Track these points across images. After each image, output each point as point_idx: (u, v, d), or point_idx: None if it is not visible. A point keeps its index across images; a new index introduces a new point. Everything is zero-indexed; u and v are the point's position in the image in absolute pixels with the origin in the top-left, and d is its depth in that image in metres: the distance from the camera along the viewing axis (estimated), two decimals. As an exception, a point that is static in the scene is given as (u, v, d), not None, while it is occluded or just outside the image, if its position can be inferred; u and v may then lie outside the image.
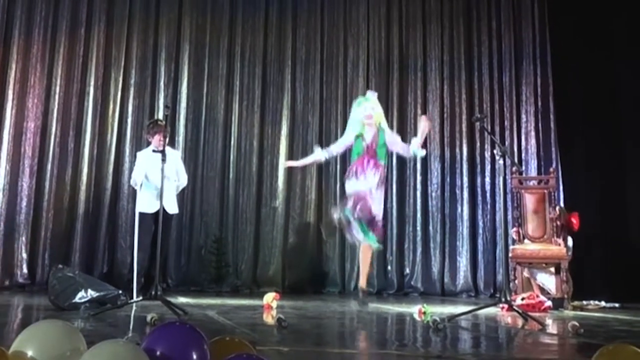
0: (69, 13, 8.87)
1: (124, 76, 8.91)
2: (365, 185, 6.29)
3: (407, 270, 9.25)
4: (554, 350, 3.65)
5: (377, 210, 6.36)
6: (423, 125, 6.68)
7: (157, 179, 6.21)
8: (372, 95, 6.76)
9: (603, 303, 7.27)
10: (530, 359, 3.28)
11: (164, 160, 5.21)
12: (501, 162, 5.47)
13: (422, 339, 4.08)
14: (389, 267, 9.23)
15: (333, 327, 4.77)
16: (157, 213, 6.43)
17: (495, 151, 5.48)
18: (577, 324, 4.39)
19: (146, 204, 6.75)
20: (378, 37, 9.73)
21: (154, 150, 6.49)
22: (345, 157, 9.10)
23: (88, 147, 8.61)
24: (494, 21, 9.83)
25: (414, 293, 9.01)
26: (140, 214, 6.83)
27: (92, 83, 8.76)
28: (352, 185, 6.41)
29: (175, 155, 7.31)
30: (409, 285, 9.16)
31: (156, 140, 6.85)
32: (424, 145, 6.94)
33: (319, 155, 6.75)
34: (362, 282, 6.52)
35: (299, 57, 9.54)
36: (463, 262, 9.24)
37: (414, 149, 6.51)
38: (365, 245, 6.40)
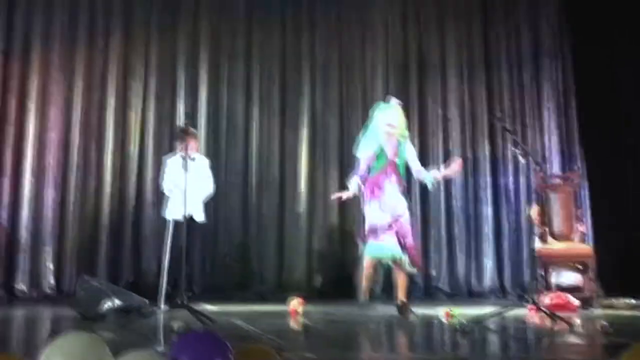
0: (87, 23, 8.92)
1: (144, 85, 8.95)
2: (388, 212, 5.95)
3: (433, 272, 9.20)
4: (582, 352, 3.61)
5: (407, 232, 6.04)
6: (453, 169, 6.29)
7: (189, 186, 6.28)
8: (395, 103, 6.34)
9: (633, 301, 7.18)
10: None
11: (185, 167, 5.22)
12: (523, 161, 5.42)
13: (450, 342, 4.05)
14: (415, 273, 9.17)
15: (360, 332, 4.75)
16: (181, 221, 6.54)
17: (516, 150, 5.40)
18: (605, 323, 4.34)
19: (176, 210, 6.74)
20: (395, 38, 9.69)
21: (183, 158, 6.59)
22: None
23: (110, 157, 8.66)
24: (512, 18, 9.77)
25: (441, 294, 8.96)
26: (170, 220, 6.85)
27: (112, 93, 8.81)
28: (371, 214, 6.03)
29: (204, 163, 7.37)
30: (435, 287, 9.11)
31: (187, 147, 6.89)
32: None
33: (353, 189, 6.17)
34: (401, 295, 6.10)
35: (317, 60, 9.51)
36: (489, 262, 9.18)
37: (427, 177, 6.25)
38: (397, 267, 6.09)
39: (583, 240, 7.38)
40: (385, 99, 6.76)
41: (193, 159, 7.14)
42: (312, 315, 5.71)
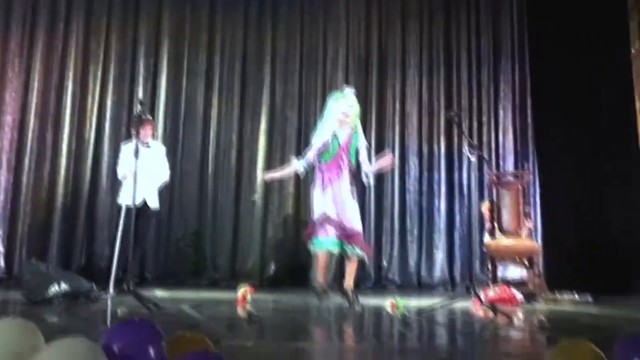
0: (48, 7, 8.88)
1: (103, 71, 8.93)
2: (335, 200, 6.01)
3: (385, 263, 9.35)
4: (517, 345, 3.73)
5: (354, 221, 6.08)
6: (386, 161, 6.41)
7: (142, 172, 6.34)
8: (350, 92, 6.38)
9: (576, 296, 7.36)
10: (491, 352, 3.35)
11: (136, 154, 5.24)
12: (473, 159, 5.54)
13: (390, 332, 4.15)
14: (367, 260, 9.30)
15: (304, 321, 4.82)
16: (139, 206, 6.60)
17: (465, 149, 5.52)
18: (543, 318, 4.49)
19: (128, 196, 6.75)
20: (357, 33, 9.80)
21: (141, 144, 6.66)
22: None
23: (66, 142, 8.63)
24: (473, 17, 9.95)
25: (391, 285, 9.10)
26: (123, 206, 6.85)
27: (70, 77, 8.78)
28: (319, 201, 6.10)
29: (160, 150, 7.40)
30: (386, 278, 9.26)
31: (142, 134, 6.95)
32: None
33: (296, 165, 6.29)
34: (350, 282, 6.16)
35: (279, 52, 9.58)
36: (440, 255, 9.37)
37: (367, 170, 6.31)
38: (347, 256, 6.16)
39: (531, 236, 7.55)
40: (340, 89, 6.84)
41: (148, 146, 7.18)
42: (260, 303, 5.77)
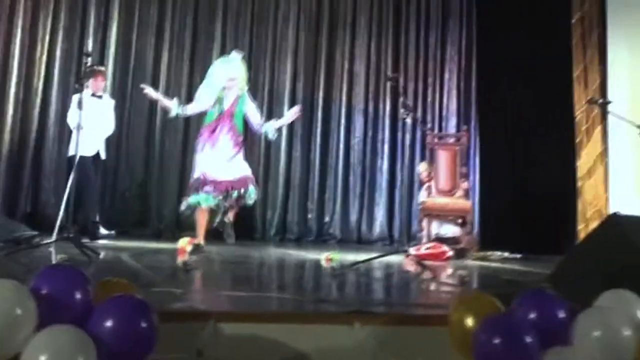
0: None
1: (53, 20, 8.86)
2: (216, 158, 6.19)
3: (327, 219, 9.64)
4: (429, 296, 4.01)
5: (240, 172, 6.29)
6: (292, 113, 6.70)
7: (93, 123, 6.50)
8: (237, 56, 6.55)
9: (506, 254, 7.71)
10: (403, 301, 3.62)
11: (80, 106, 5.36)
12: (409, 121, 5.80)
13: (314, 283, 4.41)
14: (309, 215, 9.59)
15: (236, 271, 5.05)
16: (88, 157, 6.73)
17: (401, 111, 5.76)
18: (464, 273, 4.80)
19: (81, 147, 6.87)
20: (308, -6, 9.89)
21: (92, 95, 6.84)
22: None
23: (14, 89, 8.58)
24: (423, -20, 10.10)
25: (332, 240, 9.39)
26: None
27: (19, 25, 8.68)
28: (200, 161, 6.29)
29: (110, 103, 7.50)
30: (327, 233, 9.56)
31: (94, 85, 7.07)
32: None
33: (172, 106, 6.44)
34: (232, 216, 6.52)
35: (230, 7, 9.64)
36: (380, 212, 9.70)
37: (268, 128, 6.47)
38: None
39: (466, 196, 7.86)
40: (228, 53, 6.99)
41: (100, 97, 7.30)
42: (200, 254, 5.97)
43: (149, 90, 6.67)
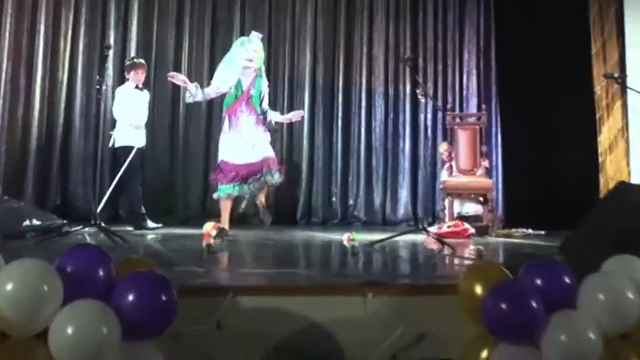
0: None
1: (75, 14, 9.02)
2: (237, 142, 6.35)
3: (351, 202, 9.74)
4: (445, 269, 4.08)
5: (265, 151, 6.41)
6: (296, 114, 7.00)
7: (136, 115, 6.93)
8: (256, 38, 6.66)
9: (530, 231, 7.75)
10: (420, 273, 3.71)
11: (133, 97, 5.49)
12: (423, 100, 5.88)
13: (333, 261, 4.51)
14: (334, 199, 9.71)
15: (257, 252, 5.17)
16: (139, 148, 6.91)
17: (418, 91, 5.81)
18: (482, 247, 4.88)
19: (127, 138, 7.07)
20: (325, -21, 9.95)
21: (135, 87, 7.27)
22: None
23: (39, 84, 8.76)
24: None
25: (357, 223, 9.48)
26: (125, 147, 7.12)
27: (42, 20, 8.85)
28: (222, 144, 6.47)
29: (147, 95, 7.65)
30: (352, 216, 9.67)
31: (135, 78, 7.23)
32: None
33: (194, 89, 6.49)
34: (263, 199, 6.71)
35: (248, -1, 9.71)
36: (404, 193, 9.78)
37: (272, 117, 6.68)
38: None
39: (486, 174, 7.93)
40: (249, 34, 7.01)
41: (141, 89, 7.48)
42: (226, 238, 6.09)
43: (175, 76, 6.74)
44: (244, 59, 6.47)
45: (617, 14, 8.73)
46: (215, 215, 8.43)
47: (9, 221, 5.28)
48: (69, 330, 1.96)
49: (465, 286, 2.52)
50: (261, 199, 6.68)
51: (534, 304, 2.34)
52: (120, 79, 8.42)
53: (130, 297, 2.09)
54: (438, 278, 3.23)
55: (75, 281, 2.10)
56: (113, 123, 7.43)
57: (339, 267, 4.10)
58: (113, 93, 7.88)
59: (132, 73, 7.38)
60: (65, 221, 5.72)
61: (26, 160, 8.65)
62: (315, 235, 7.14)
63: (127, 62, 7.63)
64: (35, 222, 5.37)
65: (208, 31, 9.54)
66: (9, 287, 1.99)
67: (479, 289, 2.46)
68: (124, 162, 6.95)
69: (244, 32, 9.51)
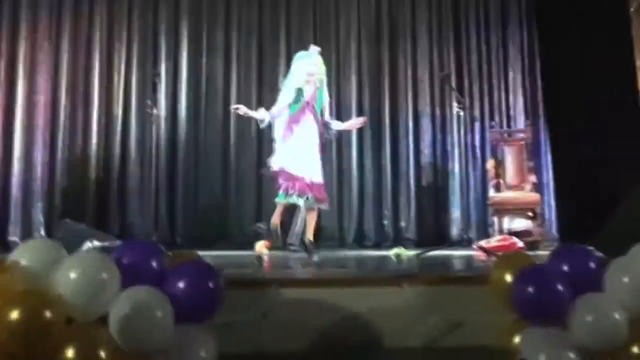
0: (73, -8, 9.39)
1: (127, 50, 9.39)
2: (295, 151, 6.46)
3: (403, 223, 9.78)
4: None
5: (314, 174, 6.50)
6: (358, 121, 7.24)
7: None
8: (315, 52, 6.86)
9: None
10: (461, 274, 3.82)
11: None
12: (462, 114, 6.00)
13: (377, 265, 4.66)
14: (385, 221, 9.75)
15: (304, 260, 5.31)
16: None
17: (454, 105, 5.91)
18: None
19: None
20: (368, 3, 10.15)
21: None
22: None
23: (96, 118, 9.13)
24: (481, -17, 10.23)
25: (409, 244, 9.52)
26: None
27: (97, 58, 9.24)
28: (279, 152, 6.58)
29: None
30: (404, 237, 9.68)
31: None
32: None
33: (262, 116, 6.68)
34: (309, 234, 6.60)
35: (293, 26, 9.96)
36: (456, 213, 9.75)
37: (333, 124, 6.81)
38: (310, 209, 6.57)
39: (535, 189, 7.97)
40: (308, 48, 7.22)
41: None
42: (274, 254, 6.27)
43: (240, 108, 7.02)
44: (305, 72, 6.66)
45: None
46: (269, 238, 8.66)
47: (69, 241, 5.53)
48: (127, 314, 2.16)
49: (496, 274, 2.65)
50: (309, 234, 6.63)
51: (560, 287, 2.46)
52: (172, 109, 8.76)
53: (181, 284, 2.29)
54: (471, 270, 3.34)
55: (131, 270, 2.31)
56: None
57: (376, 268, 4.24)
58: (165, 122, 8.16)
59: None
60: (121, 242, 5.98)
61: (86, 192, 8.96)
62: (367, 252, 7.23)
63: None
64: (96, 242, 5.63)
65: (255, 59, 9.78)
66: (72, 275, 2.21)
67: (508, 277, 2.59)
68: None
69: (289, 61, 9.73)
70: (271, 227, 6.68)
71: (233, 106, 7.20)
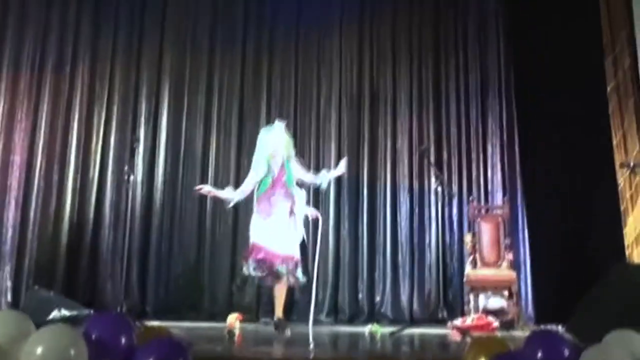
0: (55, 52, 9.38)
1: (107, 112, 9.40)
2: (269, 230, 6.45)
3: (378, 298, 9.63)
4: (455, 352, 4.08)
5: (290, 248, 6.50)
6: (342, 165, 7.09)
7: None
8: (278, 126, 6.93)
9: (559, 328, 7.61)
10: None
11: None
12: (439, 189, 5.97)
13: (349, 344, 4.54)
14: (360, 295, 9.60)
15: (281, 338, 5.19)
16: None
17: (432, 180, 5.90)
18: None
19: None
20: (350, 73, 10.22)
21: None
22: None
23: (71, 180, 9.06)
24: (462, 57, 10.30)
25: (384, 320, 9.34)
26: None
27: (76, 118, 9.24)
28: (256, 228, 6.58)
29: None
30: (379, 313, 9.51)
31: None
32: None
33: (230, 195, 6.79)
34: (279, 312, 6.58)
35: (274, 91, 10.03)
36: (432, 290, 9.59)
37: (322, 179, 6.88)
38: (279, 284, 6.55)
39: (511, 267, 7.90)
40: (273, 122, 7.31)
41: None
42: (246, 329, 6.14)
43: (203, 188, 7.09)
44: (271, 147, 6.70)
45: (636, 105, 8.84)
46: (242, 310, 8.48)
47: (38, 310, 5.37)
48: (93, 393, 2.03)
49: (470, 357, 2.56)
50: (279, 313, 6.59)
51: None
52: (150, 174, 8.68)
53: (150, 362, 2.17)
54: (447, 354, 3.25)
55: (99, 346, 2.19)
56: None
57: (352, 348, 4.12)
58: (142, 187, 8.07)
59: None
60: (92, 311, 5.79)
61: (57, 255, 8.81)
62: (340, 329, 7.11)
63: None
64: (65, 312, 5.45)
65: (235, 126, 9.80)
66: (39, 351, 2.10)
67: (482, 360, 2.50)
68: None
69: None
70: (280, 321, 6.51)
71: (196, 187, 7.22)
